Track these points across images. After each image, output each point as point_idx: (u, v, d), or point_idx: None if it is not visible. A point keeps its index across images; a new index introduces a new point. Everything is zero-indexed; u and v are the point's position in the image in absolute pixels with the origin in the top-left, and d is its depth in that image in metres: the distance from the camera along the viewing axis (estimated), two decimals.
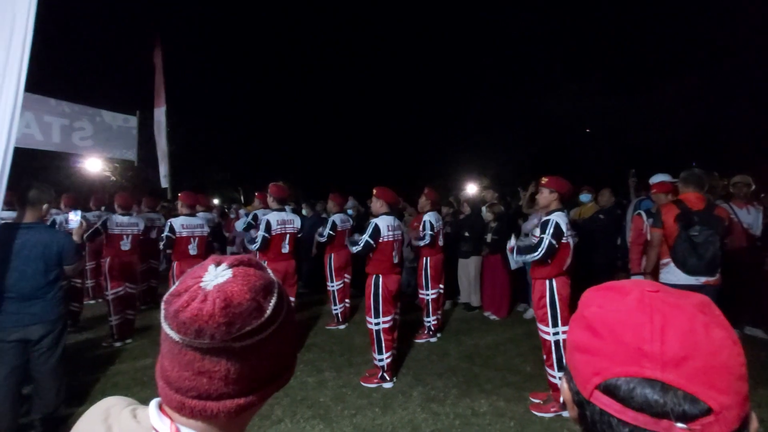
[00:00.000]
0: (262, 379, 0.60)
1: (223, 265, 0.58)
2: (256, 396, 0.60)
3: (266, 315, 0.57)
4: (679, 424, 0.42)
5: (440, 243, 4.83)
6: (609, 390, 0.46)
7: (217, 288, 0.55)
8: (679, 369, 0.43)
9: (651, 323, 0.46)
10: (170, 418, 0.59)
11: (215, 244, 7.26)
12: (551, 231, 2.96)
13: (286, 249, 4.39)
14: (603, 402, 0.46)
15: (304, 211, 7.74)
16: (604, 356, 0.47)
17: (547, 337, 3.02)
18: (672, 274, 3.07)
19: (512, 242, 3.35)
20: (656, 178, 4.60)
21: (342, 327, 5.19)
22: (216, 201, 16.68)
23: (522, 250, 3.17)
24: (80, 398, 3.23)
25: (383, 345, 3.56)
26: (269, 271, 0.63)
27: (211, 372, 0.56)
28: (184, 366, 0.56)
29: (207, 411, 0.57)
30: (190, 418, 0.58)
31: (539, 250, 2.98)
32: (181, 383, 0.57)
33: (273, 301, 0.58)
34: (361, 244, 3.63)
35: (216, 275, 0.57)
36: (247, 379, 0.58)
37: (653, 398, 0.43)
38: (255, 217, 5.28)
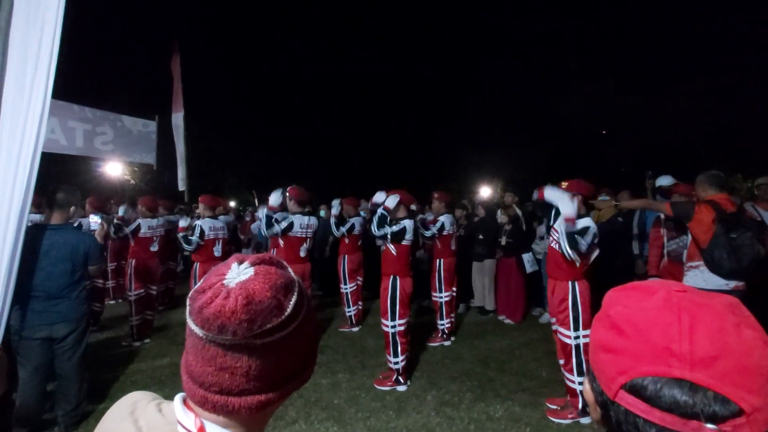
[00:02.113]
0: (283, 377, 0.61)
1: (246, 263, 0.60)
2: (276, 393, 0.60)
3: (287, 313, 0.58)
4: (709, 425, 0.41)
5: (452, 246, 4.79)
6: (635, 390, 0.45)
7: (240, 285, 0.56)
8: (709, 369, 0.42)
9: (679, 322, 0.45)
10: (194, 412, 0.60)
11: (231, 246, 7.36)
12: (589, 239, 2.84)
13: (303, 253, 4.43)
14: (628, 402, 0.46)
15: (321, 213, 7.80)
16: (630, 355, 0.46)
17: (567, 340, 2.95)
18: (699, 277, 2.97)
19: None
20: (662, 181, 4.51)
21: (355, 329, 5.20)
22: (232, 204, 16.95)
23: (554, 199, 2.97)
24: (101, 395, 3.31)
25: (399, 348, 3.56)
26: (290, 270, 0.64)
27: (233, 368, 0.57)
28: (207, 361, 0.58)
29: (229, 406, 0.58)
30: (213, 413, 0.59)
31: (579, 232, 2.82)
32: (205, 378, 0.58)
33: (293, 299, 0.59)
34: (380, 233, 3.59)
35: (239, 273, 0.58)
36: (268, 376, 0.59)
37: (682, 399, 0.42)
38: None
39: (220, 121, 20.66)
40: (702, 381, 0.42)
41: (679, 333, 0.44)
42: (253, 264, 0.60)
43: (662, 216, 3.90)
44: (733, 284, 2.88)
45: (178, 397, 0.63)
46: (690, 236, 3.10)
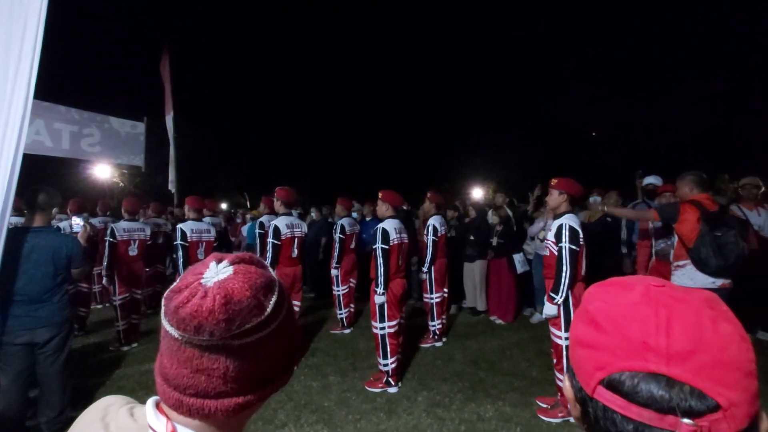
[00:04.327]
0: (261, 379, 0.59)
1: (225, 262, 0.58)
2: (254, 395, 0.59)
3: (266, 313, 0.56)
4: (686, 420, 0.40)
5: (443, 247, 4.78)
6: (613, 385, 0.45)
7: (218, 284, 0.55)
8: (686, 363, 0.42)
9: (656, 317, 0.44)
10: (167, 416, 0.59)
11: (223, 249, 7.28)
12: (567, 236, 2.87)
13: (294, 253, 4.39)
14: (606, 398, 0.45)
15: (312, 215, 7.75)
16: (607, 351, 0.46)
17: (558, 341, 2.97)
18: (686, 276, 3.01)
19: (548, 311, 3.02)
20: (649, 179, 4.58)
21: (347, 331, 5.17)
22: (224, 206, 16.83)
23: (553, 290, 2.91)
24: (86, 401, 3.19)
25: (388, 350, 3.54)
26: (270, 269, 0.62)
27: (210, 370, 0.55)
28: (182, 363, 0.56)
29: (205, 409, 0.56)
30: (188, 417, 0.58)
31: (564, 263, 2.85)
32: (180, 380, 0.56)
33: (273, 299, 0.58)
34: (379, 253, 3.50)
35: (217, 272, 0.56)
36: (246, 377, 0.57)
37: (658, 393, 0.42)
38: (262, 225, 5.24)
39: (213, 122, 20.52)
40: (678, 375, 0.42)
41: (656, 327, 0.44)
42: (232, 263, 0.58)
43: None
44: (719, 282, 2.92)
45: (150, 401, 0.61)
46: (676, 236, 3.13)
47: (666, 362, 0.42)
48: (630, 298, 0.48)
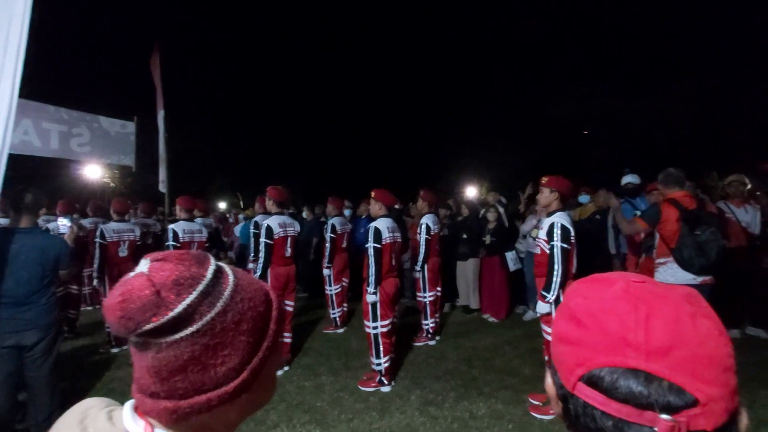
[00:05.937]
0: (194, 387, 0.54)
1: (148, 259, 0.56)
2: (187, 403, 0.54)
3: (173, 313, 0.51)
4: (664, 416, 0.40)
5: (437, 246, 4.80)
6: (592, 381, 0.44)
7: (125, 282, 0.53)
8: (664, 359, 0.42)
9: (636, 312, 0.44)
10: (145, 420, 0.58)
11: (214, 249, 7.23)
12: (559, 234, 2.89)
13: (288, 253, 4.36)
14: (586, 394, 0.45)
15: (304, 214, 7.72)
16: (587, 346, 0.46)
17: (550, 338, 2.97)
18: (668, 273, 3.04)
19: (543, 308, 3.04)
20: (627, 179, 4.62)
21: (340, 331, 5.16)
22: (223, 205, 16.73)
23: (545, 289, 2.93)
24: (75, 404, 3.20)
25: (381, 349, 3.54)
26: (210, 267, 0.56)
27: (140, 365, 0.55)
28: (133, 354, 0.57)
29: (144, 405, 0.56)
30: (147, 413, 0.56)
31: (555, 261, 2.87)
32: (135, 372, 0.57)
33: (189, 298, 0.52)
34: (371, 252, 3.49)
35: (138, 269, 0.55)
36: (170, 381, 0.53)
37: (637, 389, 0.42)
38: (257, 225, 5.19)
39: (206, 121, 20.38)
40: (657, 371, 0.41)
41: (635, 323, 0.44)
42: (153, 259, 0.56)
43: (638, 213, 3.97)
44: (700, 279, 2.95)
45: (128, 404, 0.60)
46: (657, 234, 3.17)
47: (645, 358, 0.42)
48: (610, 294, 0.47)
